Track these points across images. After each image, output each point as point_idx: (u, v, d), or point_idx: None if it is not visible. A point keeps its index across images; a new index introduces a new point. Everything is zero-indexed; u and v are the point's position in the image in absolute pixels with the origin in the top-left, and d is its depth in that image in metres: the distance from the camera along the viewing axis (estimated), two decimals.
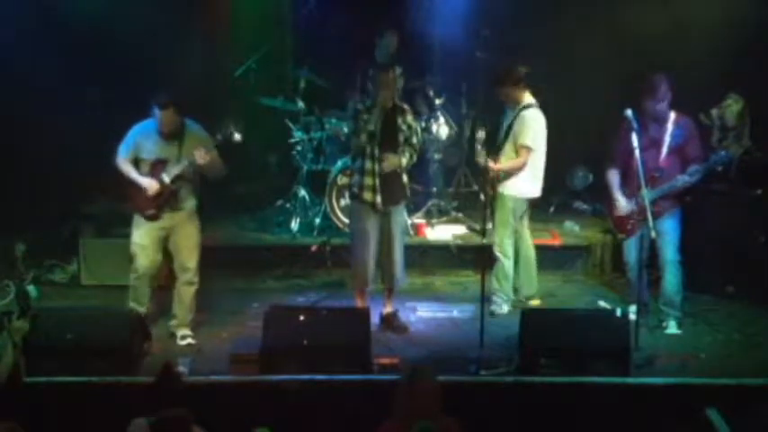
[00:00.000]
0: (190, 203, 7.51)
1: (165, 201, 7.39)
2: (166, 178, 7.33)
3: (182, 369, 6.57)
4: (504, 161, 7.83)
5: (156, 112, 7.23)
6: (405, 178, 7.68)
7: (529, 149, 7.76)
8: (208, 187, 8.31)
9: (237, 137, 7.30)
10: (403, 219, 7.94)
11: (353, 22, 10.02)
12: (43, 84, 9.10)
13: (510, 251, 7.97)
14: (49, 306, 7.45)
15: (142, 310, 7.46)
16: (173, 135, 7.33)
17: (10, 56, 9.03)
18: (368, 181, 7.50)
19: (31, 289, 7.86)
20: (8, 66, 9.11)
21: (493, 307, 7.87)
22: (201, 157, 7.21)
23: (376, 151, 7.46)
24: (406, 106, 7.71)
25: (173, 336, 7.47)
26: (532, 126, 7.78)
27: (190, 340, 7.45)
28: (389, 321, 7.71)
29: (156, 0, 9.39)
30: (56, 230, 9.13)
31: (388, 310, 7.79)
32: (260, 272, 8.72)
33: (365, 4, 10.14)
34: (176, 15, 9.38)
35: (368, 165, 7.50)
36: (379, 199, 7.48)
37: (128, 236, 7.84)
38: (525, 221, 8.11)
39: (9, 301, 7.77)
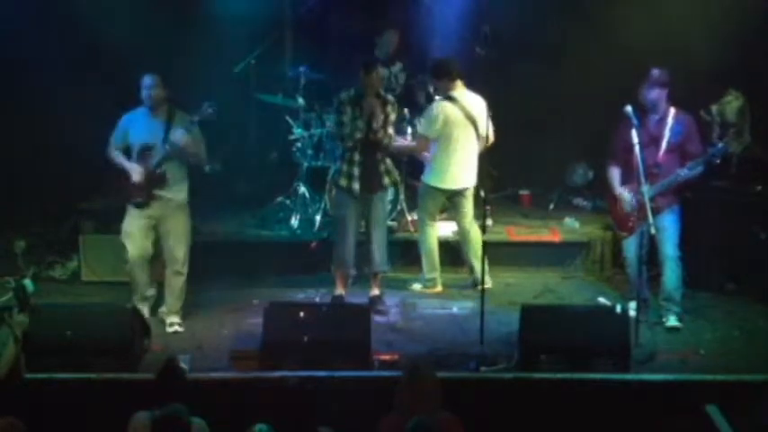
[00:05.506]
0: (180, 194, 7.64)
1: (153, 186, 7.52)
2: (152, 163, 7.49)
3: (182, 366, 6.56)
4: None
5: (145, 80, 7.48)
6: (385, 166, 7.87)
7: (422, 137, 8.23)
8: (208, 185, 8.34)
9: (210, 111, 7.46)
10: (384, 205, 8.10)
11: (353, 17, 9.99)
12: (44, 81, 9.09)
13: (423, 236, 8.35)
14: (49, 303, 7.43)
15: (142, 299, 7.59)
16: (160, 112, 7.51)
17: (10, 54, 9.02)
18: (348, 168, 7.72)
19: (27, 283, 7.85)
20: (8, 64, 9.10)
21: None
22: (181, 137, 7.40)
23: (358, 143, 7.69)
24: (389, 97, 7.87)
25: (162, 322, 7.61)
26: (427, 116, 8.18)
27: (177, 328, 7.59)
28: (373, 304, 7.85)
29: None
30: (56, 227, 9.13)
31: (373, 293, 7.99)
32: (260, 268, 8.70)
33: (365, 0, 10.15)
34: (176, 13, 9.36)
35: (348, 153, 7.72)
36: (356, 186, 7.70)
37: None
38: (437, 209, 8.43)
39: (9, 297, 7.77)
